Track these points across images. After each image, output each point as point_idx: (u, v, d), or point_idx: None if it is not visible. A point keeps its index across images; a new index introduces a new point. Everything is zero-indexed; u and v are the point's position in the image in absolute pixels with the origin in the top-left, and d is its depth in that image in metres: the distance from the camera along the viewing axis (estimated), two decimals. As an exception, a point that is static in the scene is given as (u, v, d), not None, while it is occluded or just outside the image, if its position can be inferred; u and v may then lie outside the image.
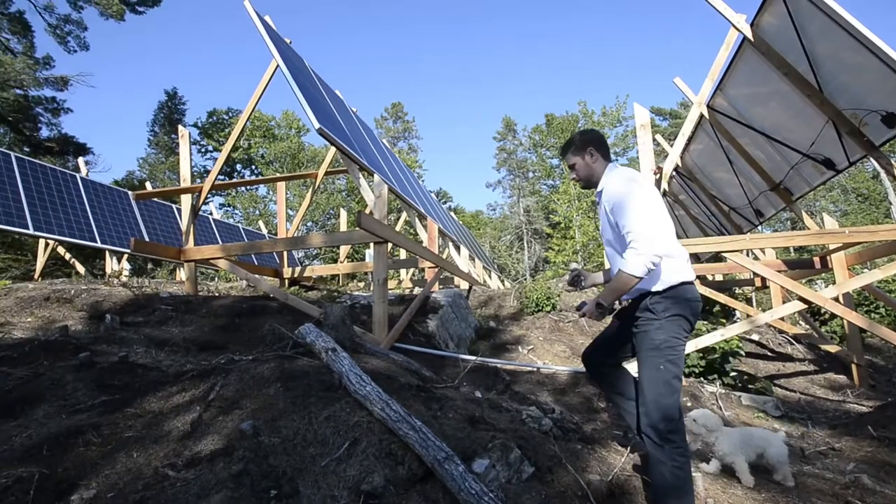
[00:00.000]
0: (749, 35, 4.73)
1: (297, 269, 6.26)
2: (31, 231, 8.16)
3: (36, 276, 10.19)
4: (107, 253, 10.53)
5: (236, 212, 27.60)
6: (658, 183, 4.81)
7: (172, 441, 1.95)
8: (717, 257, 10.31)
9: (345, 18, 66.52)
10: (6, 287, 5.23)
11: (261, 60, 62.19)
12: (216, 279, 10.16)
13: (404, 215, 11.31)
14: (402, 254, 9.57)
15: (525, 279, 28.05)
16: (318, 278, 6.90)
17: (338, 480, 1.75)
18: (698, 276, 9.09)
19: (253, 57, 59.99)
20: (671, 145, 9.37)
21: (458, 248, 7.84)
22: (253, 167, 29.55)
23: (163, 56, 56.72)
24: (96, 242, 9.30)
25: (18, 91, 19.16)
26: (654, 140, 8.05)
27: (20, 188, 8.55)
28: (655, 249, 1.92)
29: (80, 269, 10.75)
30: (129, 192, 11.24)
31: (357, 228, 3.69)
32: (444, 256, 7.77)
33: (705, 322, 5.67)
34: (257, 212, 26.52)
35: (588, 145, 2.27)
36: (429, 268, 5.94)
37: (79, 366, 2.75)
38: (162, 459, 1.86)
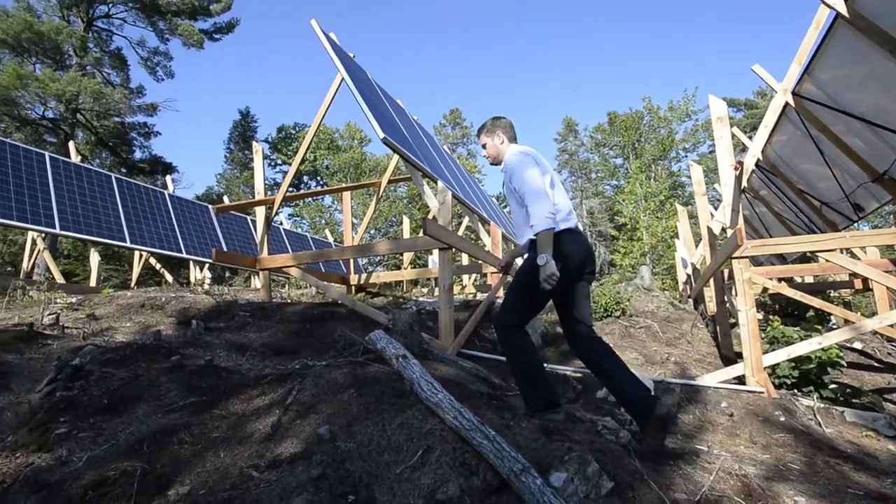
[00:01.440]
0: (843, 11, 4.29)
1: (363, 275, 6.43)
2: (128, 244, 8.98)
3: (132, 285, 11.21)
4: (191, 262, 11.39)
5: (304, 221, 28.95)
6: (739, 179, 4.47)
7: (255, 443, 2.03)
8: (804, 257, 9.43)
9: (399, 26, 68.21)
10: (109, 295, 5.78)
11: (326, 75, 65.10)
12: (287, 286, 10.68)
13: (466, 220, 11.33)
14: (464, 259, 9.57)
15: (590, 283, 27.22)
16: (382, 284, 7.07)
17: (412, 488, 1.74)
18: (785, 279, 8.35)
19: (318, 73, 62.95)
20: (750, 138, 8.72)
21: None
22: (318, 178, 30.90)
23: (237, 77, 60.89)
24: (182, 253, 10.09)
25: (117, 119, 21.30)
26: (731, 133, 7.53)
27: (119, 205, 9.46)
28: (549, 205, 2.35)
29: (169, 277, 11.70)
30: (210, 206, 12.11)
31: (422, 235, 3.71)
32: (507, 261, 7.65)
33: (797, 329, 5.18)
34: (323, 221, 27.67)
35: (497, 129, 2.75)
36: (493, 273, 5.88)
37: (171, 368, 2.96)
38: (246, 460, 1.94)
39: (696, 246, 8.00)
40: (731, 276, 6.45)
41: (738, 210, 4.29)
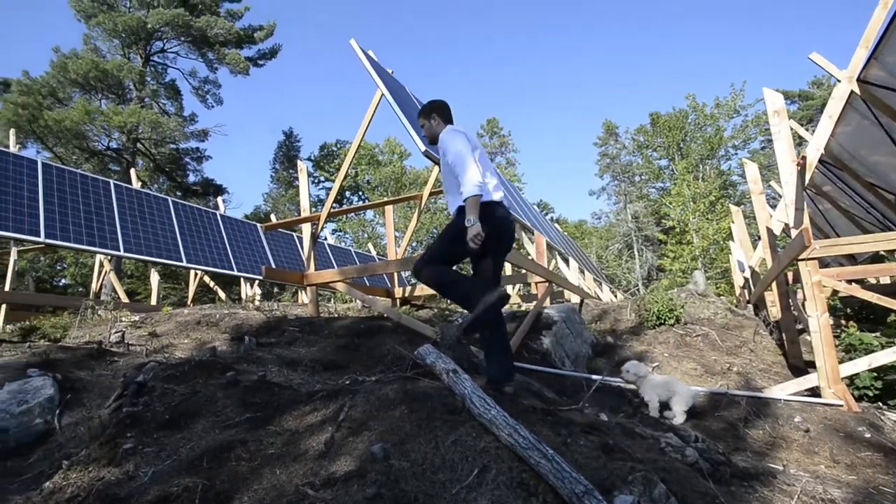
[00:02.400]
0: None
1: (408, 288, 6.45)
2: (184, 263, 9.44)
3: (189, 302, 11.75)
4: (242, 279, 11.83)
5: (347, 236, 29.61)
6: (802, 175, 4.18)
7: (309, 460, 2.03)
8: (875, 257, 8.70)
9: (433, 36, 69.19)
10: (168, 313, 6.05)
11: (366, 92, 66.83)
12: (332, 300, 10.89)
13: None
14: (507, 269, 9.46)
15: (637, 290, 26.28)
16: (427, 297, 7.06)
17: (470, 510, 1.68)
18: (856, 280, 7.73)
19: (358, 89, 64.76)
20: (808, 130, 8.20)
21: (566, 261, 7.53)
22: (360, 193, 31.59)
23: (280, 99, 63.41)
24: (233, 271, 10.50)
25: (172, 146, 22.62)
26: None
27: (175, 227, 9.97)
28: (478, 174, 2.60)
29: (222, 294, 12.19)
30: (258, 225, 12.57)
31: (466, 246, 3.67)
32: (552, 270, 7.51)
33: (877, 335, 4.76)
34: (366, 235, 28.19)
35: (432, 111, 2.99)
36: (538, 282, 5.76)
37: (227, 384, 3.03)
38: (301, 478, 1.94)
39: (754, 248, 7.57)
40: (795, 279, 6.04)
41: (803, 208, 4.01)
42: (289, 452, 2.11)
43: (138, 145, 20.67)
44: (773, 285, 5.31)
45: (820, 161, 7.18)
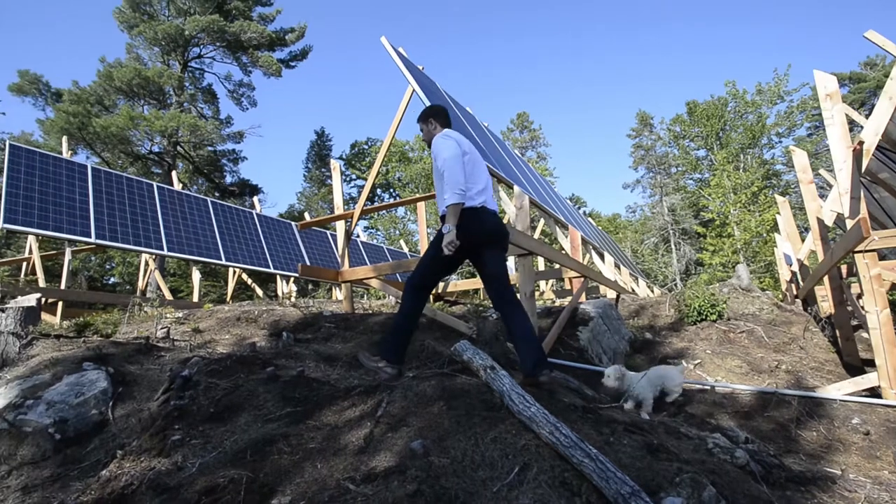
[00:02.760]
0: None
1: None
2: (223, 262, 9.74)
3: (228, 299, 12.12)
4: (278, 277, 12.11)
5: (378, 233, 29.91)
6: (858, 162, 3.94)
7: (349, 455, 2.04)
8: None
9: (462, 30, 68.86)
10: (209, 309, 6.25)
11: (394, 89, 67.19)
12: (365, 296, 11.01)
13: (541, 225, 11.08)
14: (541, 264, 9.33)
15: (675, 284, 25.52)
16: (460, 293, 7.05)
17: (511, 508, 1.65)
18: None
19: (387, 87, 65.22)
20: (862, 115, 7.72)
21: (601, 256, 7.37)
22: (391, 190, 31.84)
23: (311, 99, 64.53)
24: (269, 268, 10.77)
25: (210, 148, 23.37)
26: (840, 112, 6.69)
27: (214, 227, 10.30)
28: (460, 184, 2.66)
29: (259, 291, 12.52)
30: (293, 223, 12.84)
31: (501, 241, 3.63)
32: (587, 265, 7.36)
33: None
34: (397, 231, 28.41)
35: (429, 116, 3.07)
36: (574, 278, 5.65)
37: (267, 379, 3.10)
38: (342, 472, 1.95)
39: (802, 240, 7.20)
40: (849, 273, 5.71)
41: (859, 196, 3.77)
42: (329, 447, 2.13)
43: (178, 148, 21.45)
44: (826, 279, 5.03)
45: (878, 146, 6.76)
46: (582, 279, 5.57)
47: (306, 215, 19.78)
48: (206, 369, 3.36)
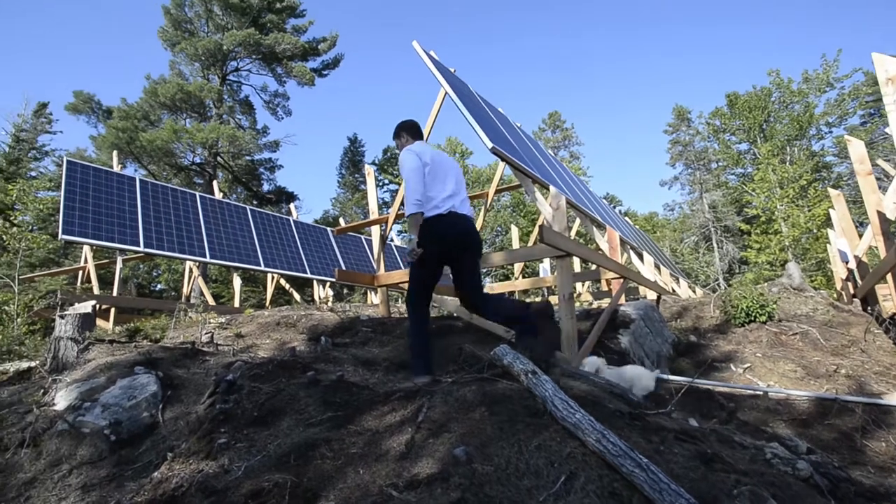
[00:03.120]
0: None
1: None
2: (262, 268, 10.01)
3: (267, 304, 12.45)
4: (314, 281, 12.36)
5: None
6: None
7: (391, 461, 2.03)
8: None
9: (492, 30, 68.69)
10: (250, 314, 6.42)
11: (424, 92, 67.69)
12: (400, 300, 11.08)
13: (576, 226, 10.89)
14: (576, 265, 9.15)
15: (718, 284, 24.57)
16: (495, 295, 7.01)
17: (559, 519, 1.60)
18: None
19: (417, 91, 65.77)
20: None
21: (640, 256, 7.15)
22: (423, 194, 31.99)
23: (344, 106, 65.77)
24: (306, 273, 10.99)
25: (248, 157, 24.14)
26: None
27: (254, 234, 10.61)
28: (417, 195, 2.85)
29: (297, 296, 12.80)
30: (328, 229, 13.08)
31: (539, 243, 3.57)
32: (626, 265, 7.16)
33: None
34: (430, 235, 28.49)
35: (401, 131, 3.27)
36: (612, 279, 5.50)
37: (307, 383, 3.13)
38: (384, 478, 1.94)
39: (859, 236, 6.77)
40: (914, 270, 5.33)
41: (927, 188, 3.50)
42: (371, 452, 2.13)
43: (218, 159, 22.26)
44: (889, 276, 4.71)
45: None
46: (621, 280, 5.41)
47: (341, 220, 20.15)
48: (249, 373, 3.43)
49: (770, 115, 27.61)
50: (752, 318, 5.57)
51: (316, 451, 2.22)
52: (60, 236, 7.18)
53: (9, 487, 2.63)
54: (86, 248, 10.07)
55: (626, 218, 22.55)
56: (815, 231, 20.50)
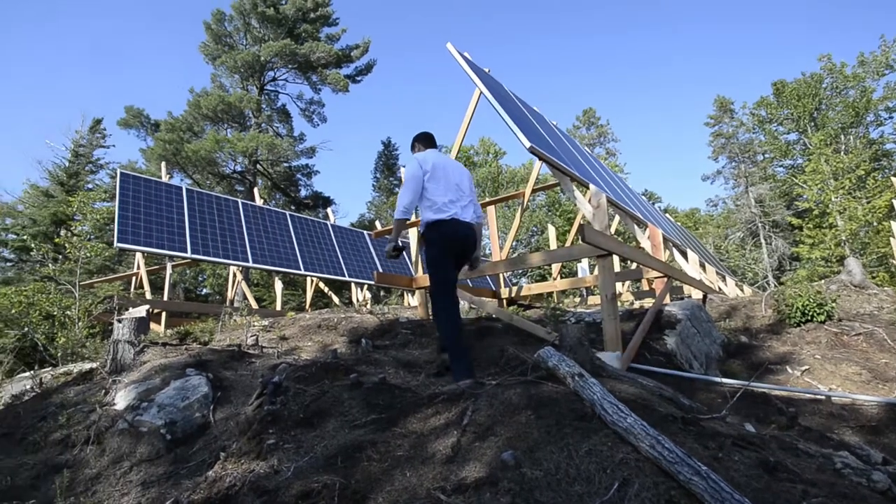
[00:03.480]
0: None
1: (513, 288, 6.34)
2: (302, 271, 10.25)
3: (307, 307, 12.74)
4: (352, 284, 12.55)
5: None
6: None
7: (438, 464, 2.02)
8: None
9: (525, 28, 68.14)
10: (292, 317, 6.58)
11: (456, 94, 67.81)
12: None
13: (615, 224, 10.63)
14: (616, 264, 8.92)
15: (767, 282, 23.45)
16: (534, 297, 6.90)
17: (614, 528, 1.55)
18: None
19: (449, 93, 65.99)
20: None
21: (684, 254, 6.90)
22: (457, 196, 32.01)
23: (376, 111, 66.70)
24: (344, 276, 11.18)
25: (286, 164, 24.81)
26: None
27: (293, 238, 10.88)
28: (404, 203, 3.06)
29: (336, 299, 13.04)
30: (365, 232, 13.27)
31: (580, 242, 3.49)
32: (670, 264, 6.93)
33: None
34: (465, 236, 28.47)
35: (415, 142, 3.47)
36: (656, 278, 5.33)
37: (350, 385, 3.17)
38: (431, 482, 1.93)
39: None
40: None
41: None
42: (417, 455, 2.12)
43: (258, 166, 22.99)
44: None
45: None
46: (665, 279, 5.23)
47: (377, 223, 20.42)
48: (294, 375, 3.50)
49: (822, 103, 26.15)
50: (809, 318, 5.28)
51: (362, 454, 2.23)
52: (115, 244, 7.58)
53: (77, 482, 2.79)
54: (138, 255, 10.59)
55: (667, 215, 21.84)
56: (875, 224, 19.23)
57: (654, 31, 63.75)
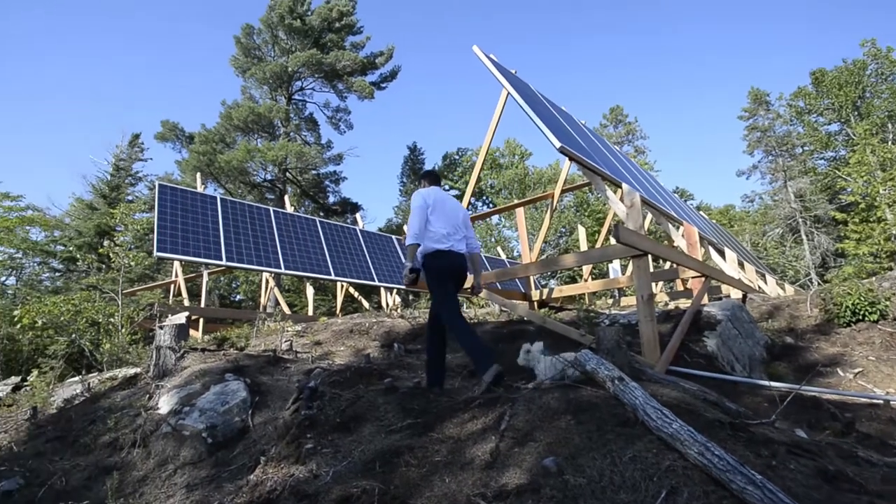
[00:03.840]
0: None
1: (544, 291, 6.25)
2: (332, 276, 10.39)
3: (337, 312, 12.91)
4: (382, 289, 12.65)
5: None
6: None
7: (476, 470, 2.00)
8: None
9: (548, 26, 67.62)
10: (325, 322, 6.67)
11: (482, 96, 67.76)
12: (464, 305, 11.08)
13: (647, 223, 10.39)
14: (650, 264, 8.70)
15: (810, 280, 22.47)
16: (565, 299, 6.79)
17: (664, 538, 1.49)
18: None
19: (474, 95, 66.01)
20: None
21: (721, 253, 6.67)
22: (484, 198, 31.98)
23: (401, 116, 67.27)
24: (374, 281, 11.28)
25: (314, 172, 25.27)
26: None
27: (323, 244, 11.05)
28: (414, 230, 3.36)
29: (365, 303, 13.16)
30: (393, 237, 13.36)
31: (614, 243, 3.41)
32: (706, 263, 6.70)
33: None
34: (493, 239, 28.39)
35: (422, 179, 3.80)
36: (692, 278, 5.17)
37: (385, 390, 3.18)
38: (471, 488, 1.91)
39: None
40: None
41: None
42: (455, 461, 2.10)
43: (287, 174, 23.49)
44: None
45: None
46: (702, 279, 5.06)
47: (405, 228, 20.55)
48: (329, 380, 3.54)
49: (865, 91, 24.93)
50: (861, 317, 5.02)
51: (400, 459, 2.23)
52: (155, 253, 7.86)
53: (126, 483, 2.88)
54: (176, 264, 10.96)
55: (701, 212, 21.21)
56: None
57: (678, 26, 62.22)
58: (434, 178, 3.85)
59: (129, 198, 24.03)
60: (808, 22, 53.48)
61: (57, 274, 21.75)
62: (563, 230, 25.00)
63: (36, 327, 6.27)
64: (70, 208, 22.82)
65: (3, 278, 21.13)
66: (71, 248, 20.37)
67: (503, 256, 18.31)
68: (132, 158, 25.79)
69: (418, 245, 3.38)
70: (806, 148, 28.73)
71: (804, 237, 26.15)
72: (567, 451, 1.91)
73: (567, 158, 4.47)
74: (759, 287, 8.21)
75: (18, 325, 6.32)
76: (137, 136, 26.20)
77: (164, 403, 3.54)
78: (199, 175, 12.91)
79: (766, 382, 3.58)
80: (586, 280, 7.25)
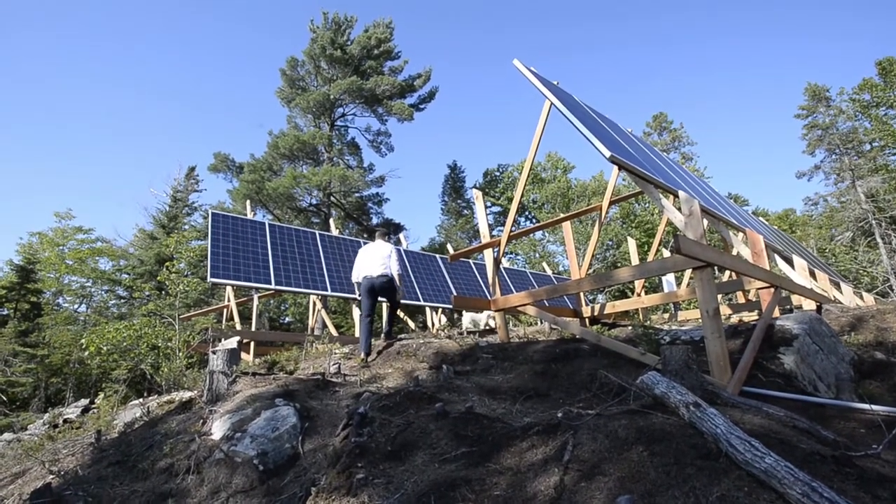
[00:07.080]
0: None
1: (596, 307, 5.98)
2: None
3: (382, 333, 12.91)
4: (427, 308, 12.60)
5: (518, 257, 29.73)
6: None
7: (540, 507, 1.83)
8: None
9: (590, 37, 67.05)
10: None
11: (519, 113, 67.77)
12: (511, 323, 10.81)
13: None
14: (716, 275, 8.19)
15: (890, 287, 20.64)
16: (619, 314, 6.47)
17: None
18: None
19: (513, 111, 66.12)
20: None
21: (789, 261, 6.18)
22: (526, 213, 31.64)
23: (440, 135, 68.14)
24: (420, 301, 11.24)
25: (357, 195, 25.84)
26: None
27: (368, 265, 11.14)
28: (355, 275, 6.08)
29: (411, 323, 13.13)
30: (437, 256, 13.33)
31: (674, 254, 3.18)
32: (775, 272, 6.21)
33: None
34: (537, 255, 27.93)
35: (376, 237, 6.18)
36: (760, 289, 4.79)
37: (436, 415, 3.06)
38: (536, 527, 1.75)
39: None
40: None
41: None
42: (516, 496, 1.94)
43: (331, 198, 24.13)
44: None
45: None
46: (772, 290, 4.66)
47: (448, 247, 20.60)
48: (378, 405, 3.46)
49: (939, 79, 23.03)
50: (962, 328, 4.45)
51: (456, 492, 2.09)
52: (209, 279, 8.15)
53: (180, 514, 2.87)
54: (228, 289, 11.34)
55: (760, 218, 20.02)
56: None
57: (727, 19, 60.21)
58: (381, 235, 6.25)
59: (185, 227, 25.36)
60: (867, 10, 50.46)
61: (122, 300, 23.12)
62: (610, 243, 24.25)
63: (102, 353, 6.59)
64: (133, 239, 24.33)
65: (76, 306, 22.68)
66: (134, 277, 21.66)
67: (549, 272, 17.90)
68: (188, 190, 27.31)
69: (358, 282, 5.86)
70: (875, 144, 26.72)
71: (879, 240, 24.13)
72: (643, 487, 1.71)
73: (616, 168, 4.28)
74: (835, 297, 7.54)
75: (86, 352, 6.65)
76: (193, 169, 27.77)
77: (217, 429, 3.55)
78: (248, 203, 13.42)
79: (862, 405, 3.19)
80: (639, 294, 6.90)
